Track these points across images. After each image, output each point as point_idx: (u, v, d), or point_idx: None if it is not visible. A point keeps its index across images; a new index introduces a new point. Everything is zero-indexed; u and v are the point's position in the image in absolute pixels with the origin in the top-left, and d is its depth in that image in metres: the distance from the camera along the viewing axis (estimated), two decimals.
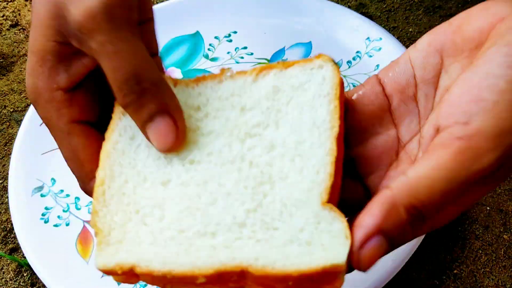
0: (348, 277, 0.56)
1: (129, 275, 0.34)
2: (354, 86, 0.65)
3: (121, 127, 0.39)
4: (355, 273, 0.55)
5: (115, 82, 0.35)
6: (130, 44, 0.35)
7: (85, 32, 0.34)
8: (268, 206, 0.35)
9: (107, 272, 0.35)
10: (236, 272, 0.32)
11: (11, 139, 0.69)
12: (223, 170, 0.37)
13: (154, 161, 0.38)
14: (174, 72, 0.70)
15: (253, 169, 0.37)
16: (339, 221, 0.33)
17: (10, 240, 0.61)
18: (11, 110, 0.72)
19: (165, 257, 0.34)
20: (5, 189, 0.65)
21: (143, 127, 0.37)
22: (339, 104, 0.37)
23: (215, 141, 0.38)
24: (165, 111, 0.37)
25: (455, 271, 0.54)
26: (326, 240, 0.32)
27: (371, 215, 0.31)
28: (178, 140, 0.37)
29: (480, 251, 0.55)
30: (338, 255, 0.31)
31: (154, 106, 0.36)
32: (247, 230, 0.34)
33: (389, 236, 0.31)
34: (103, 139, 0.39)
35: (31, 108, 0.66)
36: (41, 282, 0.58)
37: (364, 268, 0.32)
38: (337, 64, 0.39)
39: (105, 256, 0.35)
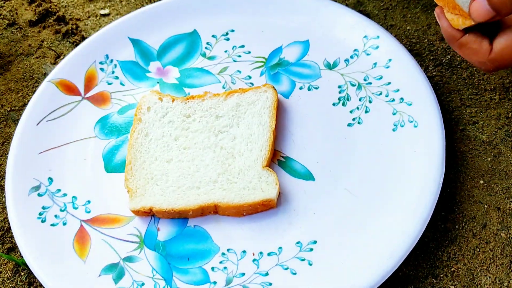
0: (347, 276, 0.56)
1: (148, 212, 0.58)
2: (351, 84, 0.65)
3: (139, 129, 0.63)
4: (353, 272, 0.56)
5: None
6: None
7: None
8: (231, 171, 0.58)
9: (135, 212, 0.58)
10: (211, 206, 0.57)
11: (8, 139, 0.69)
12: (204, 152, 0.60)
13: (161, 148, 0.61)
14: (172, 71, 0.70)
15: (223, 151, 0.60)
16: (272, 176, 0.57)
17: (7, 240, 0.61)
18: (8, 109, 0.72)
19: (169, 201, 0.57)
20: (2, 188, 0.65)
21: None
22: (275, 112, 0.62)
23: (199, 135, 0.61)
24: None
25: (452, 269, 0.54)
26: (264, 186, 0.57)
27: None
28: None
29: (478, 249, 0.55)
30: (270, 193, 0.56)
31: None
32: (218, 184, 0.58)
33: None
34: None
35: (28, 107, 0.66)
36: (38, 281, 0.58)
37: (473, 16, 0.48)
38: (275, 89, 0.64)
39: (133, 203, 0.57)
